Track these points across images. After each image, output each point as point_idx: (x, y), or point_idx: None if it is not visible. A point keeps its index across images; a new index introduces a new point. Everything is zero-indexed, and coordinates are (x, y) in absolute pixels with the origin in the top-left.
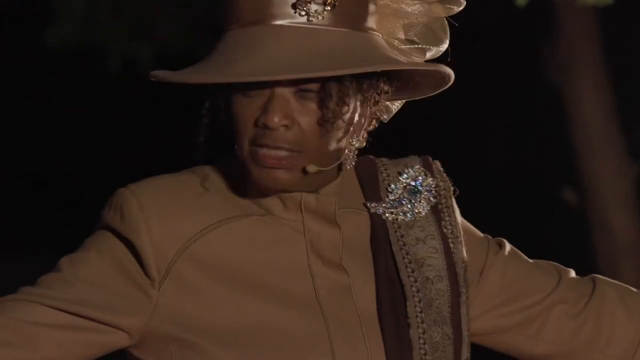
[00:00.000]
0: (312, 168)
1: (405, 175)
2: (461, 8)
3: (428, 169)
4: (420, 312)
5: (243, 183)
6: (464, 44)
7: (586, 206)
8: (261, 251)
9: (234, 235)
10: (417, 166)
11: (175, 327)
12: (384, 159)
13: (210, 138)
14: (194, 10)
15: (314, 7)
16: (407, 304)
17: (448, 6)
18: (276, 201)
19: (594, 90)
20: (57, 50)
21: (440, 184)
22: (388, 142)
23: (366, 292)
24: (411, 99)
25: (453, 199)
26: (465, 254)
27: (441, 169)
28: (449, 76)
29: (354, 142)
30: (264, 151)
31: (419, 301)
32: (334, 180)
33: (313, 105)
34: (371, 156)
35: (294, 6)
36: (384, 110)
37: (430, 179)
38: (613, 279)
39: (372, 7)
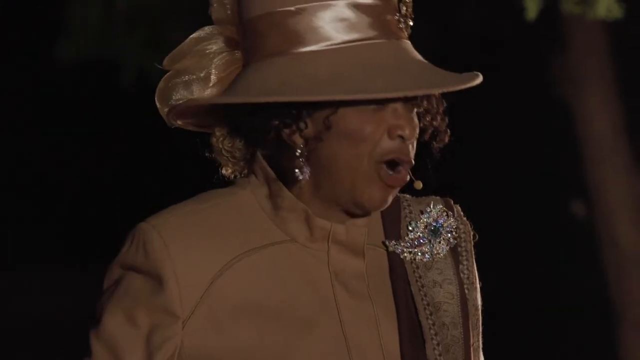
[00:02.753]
0: (418, 184)
1: (427, 215)
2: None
3: (450, 210)
4: (440, 355)
5: (267, 206)
6: (474, 57)
7: (594, 219)
8: (285, 283)
9: (257, 268)
10: (440, 206)
11: None
12: (407, 196)
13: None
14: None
15: (404, 22)
16: (426, 346)
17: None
18: (303, 229)
19: (603, 104)
20: (69, 63)
21: (461, 227)
22: None
23: (389, 328)
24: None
25: (472, 246)
26: (479, 302)
27: (461, 213)
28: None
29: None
30: (400, 171)
31: (437, 344)
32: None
33: (415, 119)
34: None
35: (398, 21)
36: None
37: (451, 220)
38: (620, 291)
39: None
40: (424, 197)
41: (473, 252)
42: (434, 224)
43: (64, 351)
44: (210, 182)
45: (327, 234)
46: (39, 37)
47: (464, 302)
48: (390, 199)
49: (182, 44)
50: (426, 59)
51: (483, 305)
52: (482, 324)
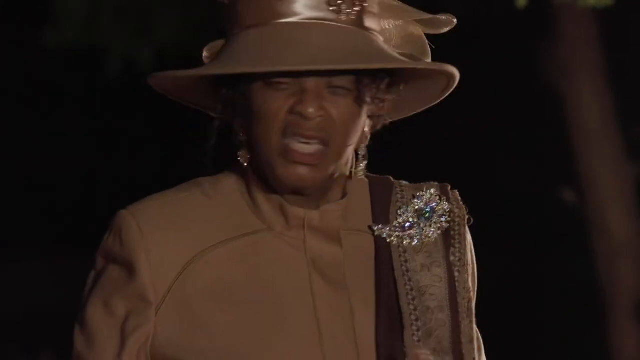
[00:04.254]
0: (342, 168)
1: (419, 199)
2: (444, 30)
3: (445, 195)
4: (418, 341)
5: (245, 195)
6: (463, 45)
7: (584, 207)
8: (261, 271)
9: (233, 256)
10: (433, 190)
11: (170, 350)
12: (403, 182)
13: (219, 144)
14: (196, 11)
15: (345, 6)
16: (405, 332)
17: (427, 26)
18: (278, 217)
19: (593, 92)
20: (56, 51)
21: (456, 210)
22: (386, 141)
23: (366, 317)
24: (415, 112)
25: (467, 229)
26: (470, 284)
27: (459, 198)
28: (453, 80)
29: (361, 151)
30: (296, 144)
31: (417, 330)
32: (339, 200)
33: (343, 100)
34: (391, 178)
35: (327, 3)
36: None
37: (445, 204)
38: (610, 278)
39: (378, 12)
40: (421, 183)
41: (467, 236)
42: (425, 208)
43: (59, 342)
44: (199, 168)
45: (302, 222)
46: (27, 25)
47: (453, 284)
48: (309, 176)
49: None
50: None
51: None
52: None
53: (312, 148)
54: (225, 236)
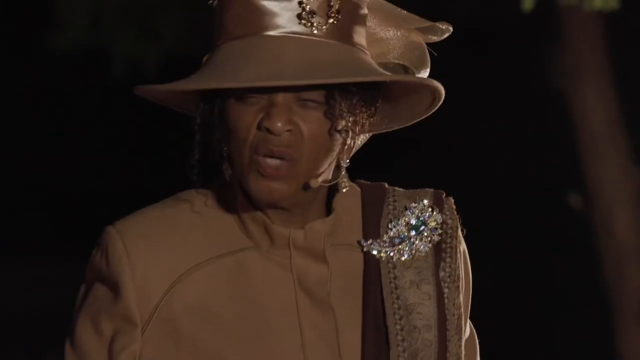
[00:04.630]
0: (314, 182)
1: (410, 211)
2: (443, 36)
3: (438, 205)
4: None
5: (232, 211)
6: (470, 48)
7: (591, 210)
8: (247, 290)
9: (219, 275)
10: (426, 201)
11: None
12: (397, 189)
13: (203, 158)
14: (200, 12)
15: (317, 18)
16: (390, 353)
17: (428, 34)
18: (264, 236)
19: (599, 95)
20: (61, 53)
21: (449, 221)
22: (392, 144)
23: (351, 336)
24: (401, 127)
25: (460, 240)
26: (461, 300)
27: (453, 206)
28: (439, 94)
29: (343, 164)
30: (264, 160)
31: (403, 351)
32: (327, 216)
33: (314, 113)
34: (386, 184)
35: (298, 17)
36: (366, 135)
37: (438, 216)
38: (618, 282)
39: (363, 25)
40: (416, 190)
41: (461, 247)
42: (415, 221)
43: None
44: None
45: (287, 241)
46: (31, 27)
47: (442, 302)
48: (279, 189)
49: None
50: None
51: (481, 298)
52: (482, 316)
53: (280, 162)
54: (212, 254)
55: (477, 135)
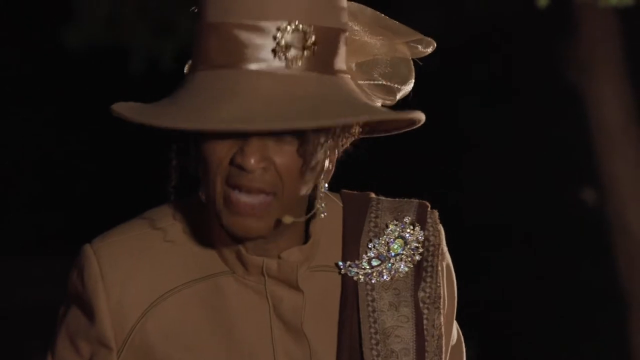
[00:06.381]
0: (287, 219)
1: (391, 228)
2: (428, 50)
3: (421, 221)
4: None
5: (208, 234)
6: (486, 43)
7: (605, 206)
8: (223, 315)
9: (195, 299)
10: (408, 219)
11: None
12: (382, 200)
13: (180, 180)
14: None
15: (292, 52)
16: None
17: (414, 46)
18: (237, 263)
19: (614, 91)
20: (79, 49)
21: (431, 238)
22: (403, 140)
23: None
24: (380, 135)
25: (444, 256)
26: (441, 321)
27: (437, 220)
28: (419, 120)
29: (322, 187)
30: (237, 195)
31: None
32: (302, 243)
33: (289, 148)
34: (371, 195)
35: (273, 51)
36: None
37: (420, 233)
38: (631, 277)
39: (342, 49)
40: (400, 202)
41: (444, 263)
42: (397, 241)
43: None
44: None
45: (261, 269)
46: (49, 23)
47: (420, 325)
48: (255, 227)
49: None
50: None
51: (494, 292)
52: (493, 314)
53: (255, 199)
54: (187, 278)
55: (491, 129)
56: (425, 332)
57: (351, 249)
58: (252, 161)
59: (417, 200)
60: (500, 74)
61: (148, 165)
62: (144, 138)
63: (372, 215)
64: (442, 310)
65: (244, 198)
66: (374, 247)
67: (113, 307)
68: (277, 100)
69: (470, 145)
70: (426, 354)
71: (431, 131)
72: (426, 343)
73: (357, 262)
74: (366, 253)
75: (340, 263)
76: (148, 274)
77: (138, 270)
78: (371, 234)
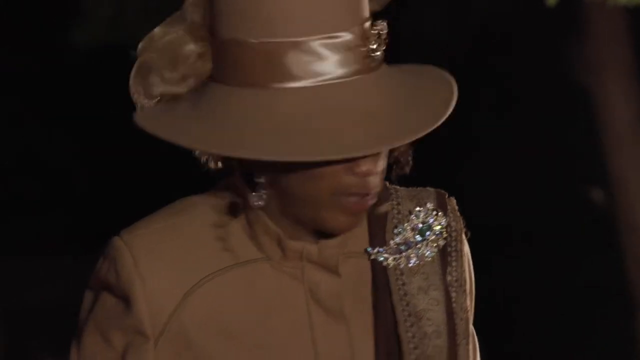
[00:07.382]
0: (387, 207)
1: (415, 215)
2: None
3: (442, 207)
4: None
5: (241, 221)
6: (494, 43)
7: (614, 206)
8: (259, 301)
9: (231, 286)
10: (430, 204)
11: None
12: (399, 189)
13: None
14: None
15: (378, 50)
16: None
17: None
18: (276, 249)
19: (623, 91)
20: (83, 48)
21: (453, 224)
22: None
23: (364, 346)
24: None
25: (464, 242)
26: (467, 304)
27: (456, 207)
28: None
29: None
30: (356, 199)
31: (416, 358)
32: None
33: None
34: (387, 184)
35: (359, 57)
36: None
37: (443, 219)
38: (639, 277)
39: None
40: (417, 190)
41: (465, 248)
42: (422, 226)
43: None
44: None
45: (300, 254)
46: (54, 21)
47: (450, 307)
48: (358, 223)
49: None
50: (441, 46)
51: (503, 293)
52: (503, 311)
53: (369, 201)
54: (221, 265)
55: (499, 129)
56: (455, 315)
57: (378, 235)
58: (372, 166)
59: (433, 189)
60: (506, 73)
61: (151, 166)
62: (145, 138)
63: (394, 202)
64: (468, 293)
65: (370, 201)
66: (400, 232)
67: (149, 295)
68: (386, 108)
69: (477, 146)
70: (457, 337)
71: (443, 130)
72: (456, 326)
73: (385, 247)
74: (393, 239)
75: (369, 249)
76: (181, 263)
77: (171, 259)
78: (395, 220)
